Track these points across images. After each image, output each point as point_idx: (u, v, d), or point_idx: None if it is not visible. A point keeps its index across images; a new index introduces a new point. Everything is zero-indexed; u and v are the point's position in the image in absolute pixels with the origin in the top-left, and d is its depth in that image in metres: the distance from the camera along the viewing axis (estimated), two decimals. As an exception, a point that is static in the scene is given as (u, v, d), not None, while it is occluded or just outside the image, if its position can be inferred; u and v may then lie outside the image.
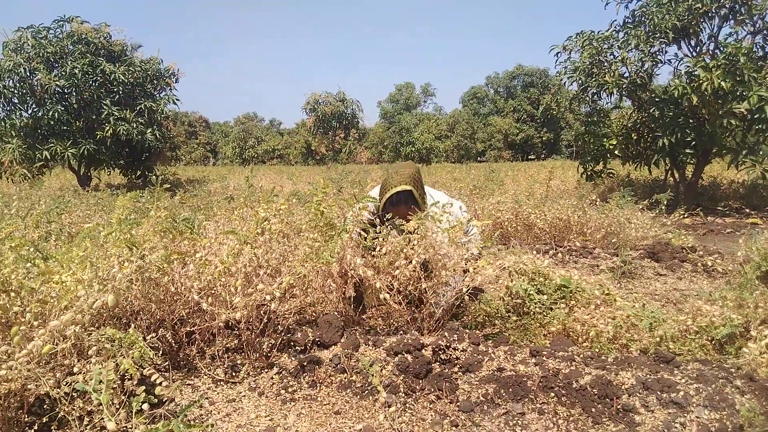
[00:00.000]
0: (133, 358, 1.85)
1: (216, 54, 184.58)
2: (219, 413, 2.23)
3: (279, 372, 2.55)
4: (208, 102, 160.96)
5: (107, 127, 12.76)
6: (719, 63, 7.56)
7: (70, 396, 1.93)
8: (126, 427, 1.99)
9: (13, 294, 2.04)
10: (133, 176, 14.85)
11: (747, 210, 8.68)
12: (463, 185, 10.24)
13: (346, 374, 2.49)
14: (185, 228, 2.44)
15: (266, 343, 2.69)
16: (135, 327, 2.37)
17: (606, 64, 9.00)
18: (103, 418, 2.00)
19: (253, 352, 2.66)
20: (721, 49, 8.44)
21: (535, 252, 3.69)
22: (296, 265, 2.62)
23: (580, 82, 9.26)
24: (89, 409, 2.00)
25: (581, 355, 2.49)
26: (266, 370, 2.59)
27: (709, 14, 8.42)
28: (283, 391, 2.39)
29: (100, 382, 1.52)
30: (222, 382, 2.50)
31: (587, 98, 9.59)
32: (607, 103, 9.98)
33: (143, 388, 1.63)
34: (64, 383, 1.87)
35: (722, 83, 7.37)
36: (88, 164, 13.93)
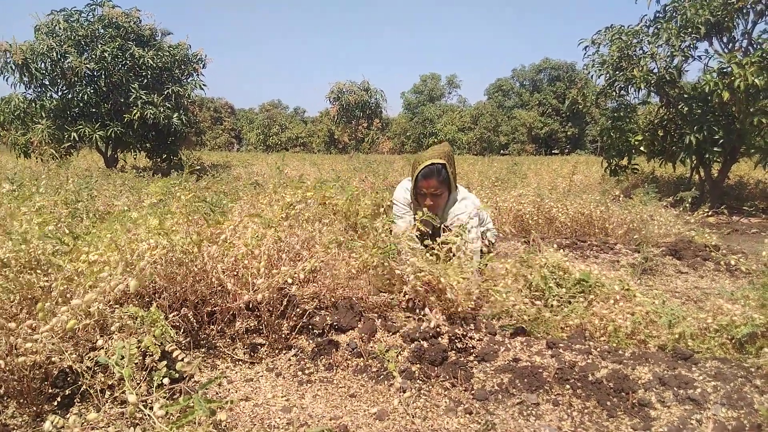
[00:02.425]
0: (154, 335, 1.90)
1: (243, 41, 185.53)
2: (237, 392, 2.28)
3: (296, 354, 2.59)
4: (234, 88, 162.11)
5: (135, 111, 12.93)
6: (753, 60, 7.40)
7: (92, 370, 1.99)
8: (147, 400, 2.05)
9: (39, 270, 2.10)
10: (158, 159, 15.03)
11: (774, 210, 8.51)
12: (484, 178, 10.21)
13: (362, 359, 2.52)
14: (211, 211, 2.48)
15: (285, 326, 2.73)
16: (157, 306, 2.43)
17: (635, 58, 8.86)
18: (124, 391, 2.06)
19: (272, 334, 2.70)
20: (755, 45, 8.25)
21: (555, 246, 3.68)
22: (320, 250, 2.65)
23: (607, 76, 9.13)
24: (110, 383, 2.07)
25: (598, 349, 2.48)
26: (284, 352, 2.63)
27: (744, 10, 8.23)
28: (300, 373, 2.43)
29: (123, 356, 1.56)
30: (241, 362, 2.55)
31: (614, 93, 9.46)
32: (635, 98, 9.84)
33: (164, 363, 1.68)
34: (87, 358, 1.93)
35: (756, 80, 7.22)
36: (114, 146, 14.14)
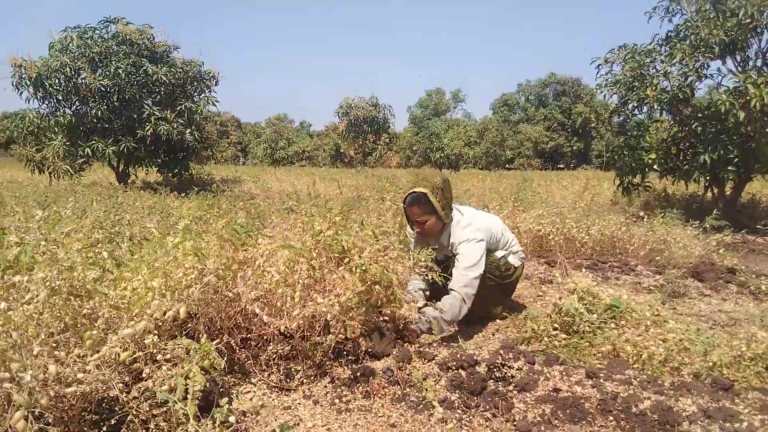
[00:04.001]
0: (202, 366, 1.90)
1: (249, 55, 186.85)
2: (276, 420, 2.27)
3: (332, 381, 2.58)
4: (240, 102, 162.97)
5: (148, 127, 13.01)
6: (768, 79, 7.41)
7: (138, 399, 1.99)
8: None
9: (84, 298, 2.10)
10: (170, 174, 15.09)
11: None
12: (496, 194, 10.20)
13: (399, 387, 2.51)
14: (246, 237, 2.49)
15: (319, 352, 2.72)
16: (197, 333, 2.44)
17: (647, 77, 8.88)
18: (165, 420, 2.05)
19: (305, 360, 2.69)
20: (770, 65, 8.28)
21: (583, 270, 3.67)
22: (356, 280, 2.65)
23: (620, 95, 9.15)
24: (154, 412, 2.06)
25: (638, 379, 2.47)
26: (319, 379, 2.63)
27: (758, 29, 8.26)
28: (337, 401, 2.42)
29: (186, 392, 1.56)
30: (276, 389, 2.54)
31: (627, 111, 9.47)
32: (646, 117, 9.84)
33: (226, 399, 1.67)
34: (136, 388, 1.93)
35: (771, 100, 7.22)
36: (126, 161, 14.21)
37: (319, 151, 49.99)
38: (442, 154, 33.60)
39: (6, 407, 1.69)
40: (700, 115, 8.78)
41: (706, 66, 8.82)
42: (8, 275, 1.91)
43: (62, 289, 1.93)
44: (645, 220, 6.11)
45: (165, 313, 1.87)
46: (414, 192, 3.40)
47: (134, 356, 1.86)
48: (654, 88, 8.55)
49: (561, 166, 52.03)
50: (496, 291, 3.60)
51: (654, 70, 8.97)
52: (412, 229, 3.60)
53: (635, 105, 9.20)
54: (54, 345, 1.91)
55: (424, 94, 62.64)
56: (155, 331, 2.13)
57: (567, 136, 53.82)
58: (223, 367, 1.90)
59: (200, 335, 2.46)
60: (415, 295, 3.53)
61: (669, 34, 9.30)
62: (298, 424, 2.23)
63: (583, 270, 4.10)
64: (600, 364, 2.83)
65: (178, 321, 2.12)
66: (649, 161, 9.39)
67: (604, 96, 9.42)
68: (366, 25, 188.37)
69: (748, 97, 7.48)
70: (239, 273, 2.53)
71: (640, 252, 5.54)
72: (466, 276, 3.26)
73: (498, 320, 3.70)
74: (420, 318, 3.10)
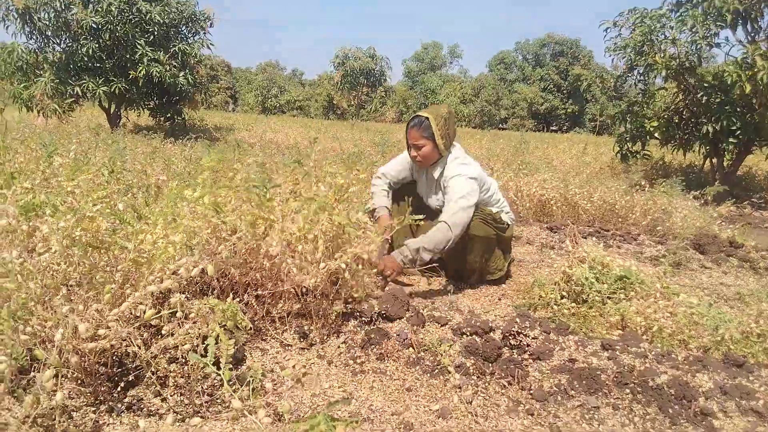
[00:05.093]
0: (225, 326, 1.86)
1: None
2: (292, 380, 2.25)
3: (346, 341, 2.57)
4: (231, 46, 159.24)
5: (140, 68, 12.65)
6: (777, 52, 7.33)
7: (156, 356, 1.96)
8: (214, 393, 2.02)
9: (102, 250, 2.04)
10: (162, 119, 14.80)
11: (784, 203, 8.53)
12: (493, 155, 10.14)
13: (413, 350, 2.50)
14: (265, 189, 2.43)
15: (333, 312, 2.69)
16: (214, 289, 2.40)
17: (656, 43, 8.73)
18: (182, 376, 2.03)
19: (319, 319, 2.67)
20: (779, 37, 8.16)
21: (591, 238, 3.65)
22: (372, 235, 2.61)
23: (629, 60, 9.01)
24: (172, 368, 2.04)
25: (653, 352, 2.48)
26: (333, 338, 2.61)
27: (773, -1, 8.10)
28: (351, 362, 2.40)
29: (218, 357, 1.53)
30: (290, 347, 2.52)
31: (634, 77, 9.36)
32: (652, 83, 9.74)
33: (258, 363, 1.64)
34: (156, 345, 1.89)
35: (780, 74, 7.15)
36: (118, 103, 13.88)
37: (312, 101, 49.20)
38: (437, 111, 33.22)
39: (30, 363, 1.65)
40: (705, 84, 8.69)
41: (716, 35, 8.68)
42: (32, 220, 1.84)
43: (81, 239, 1.86)
44: (646, 189, 6.10)
45: (190, 271, 1.81)
46: (418, 115, 3.43)
47: (158, 314, 1.82)
48: (663, 54, 8.42)
49: (554, 128, 51.80)
50: (494, 243, 3.54)
51: (663, 36, 8.81)
52: (410, 155, 3.54)
53: (642, 71, 9.08)
54: (74, 299, 1.86)
55: (420, 47, 61.53)
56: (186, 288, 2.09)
57: (562, 98, 53.38)
58: (248, 327, 1.86)
59: (223, 293, 2.43)
60: (381, 216, 3.55)
61: (680, -1, 9.12)
62: (307, 382, 2.22)
63: (591, 238, 4.09)
64: (609, 334, 2.84)
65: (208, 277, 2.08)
66: (651, 129, 9.34)
67: (612, 60, 9.28)
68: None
69: (755, 69, 7.40)
70: (261, 229, 2.47)
71: (641, 221, 5.54)
72: (456, 205, 3.19)
73: (503, 284, 3.70)
74: (403, 249, 3.14)
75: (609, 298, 3.11)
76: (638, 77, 9.43)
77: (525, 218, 5.75)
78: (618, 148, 10.10)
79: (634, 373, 2.28)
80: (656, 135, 9.38)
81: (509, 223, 3.65)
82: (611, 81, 10.04)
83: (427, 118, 3.35)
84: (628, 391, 2.19)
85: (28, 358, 1.62)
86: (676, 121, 9.35)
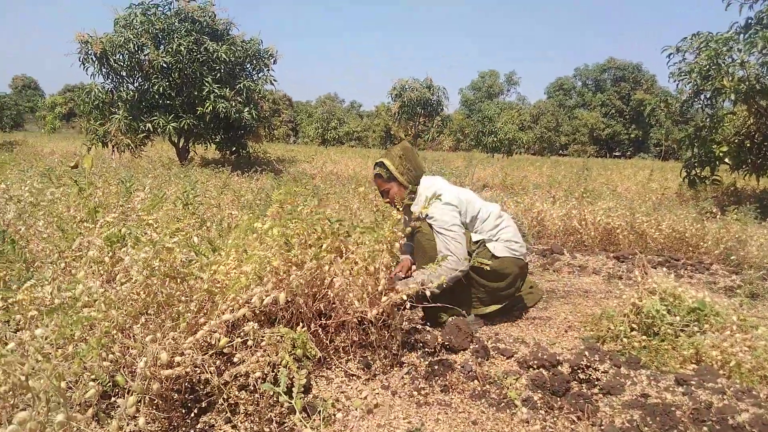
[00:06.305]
0: (294, 354, 1.90)
1: (301, 33, 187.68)
2: (357, 410, 2.27)
3: (409, 372, 2.57)
4: (292, 80, 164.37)
5: (207, 104, 13.25)
6: None
7: (228, 383, 2.02)
8: (282, 421, 2.06)
9: (178, 281, 2.14)
10: (228, 152, 15.38)
11: None
12: (556, 183, 9.97)
13: (478, 382, 2.47)
14: (338, 224, 2.49)
15: (396, 342, 2.71)
16: (281, 319, 2.45)
17: (723, 67, 8.46)
18: (252, 404, 2.08)
19: (382, 349, 2.69)
20: None
21: (662, 269, 3.53)
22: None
23: (694, 85, 8.76)
24: (242, 396, 2.09)
25: (731, 388, 2.36)
26: (396, 369, 2.62)
27: None
28: (415, 393, 2.40)
29: (292, 386, 1.57)
30: (354, 377, 2.54)
31: (701, 102, 9.08)
32: (720, 108, 9.41)
33: (330, 394, 1.67)
34: (228, 373, 1.95)
35: None
36: (187, 138, 14.54)
37: (369, 132, 49.98)
38: (495, 138, 33.01)
39: (112, 389, 1.74)
40: (779, 107, 8.34)
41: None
42: (116, 250, 1.96)
43: (160, 270, 1.96)
44: (717, 216, 5.86)
45: (263, 300, 1.88)
46: (375, 164, 3.48)
47: (230, 342, 1.88)
48: (731, 78, 8.14)
49: (617, 153, 50.55)
50: (470, 283, 3.29)
51: (731, 60, 8.53)
52: (384, 202, 3.50)
53: (709, 95, 8.80)
54: (152, 326, 1.95)
55: (477, 76, 61.71)
56: (253, 317, 2.16)
57: (624, 123, 52.17)
58: (316, 356, 1.90)
59: (288, 322, 2.49)
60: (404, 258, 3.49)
61: (749, 21, 8.82)
62: (375, 413, 2.22)
63: (660, 268, 3.96)
64: (682, 368, 2.73)
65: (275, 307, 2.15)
66: (721, 154, 9.01)
67: (677, 85, 9.04)
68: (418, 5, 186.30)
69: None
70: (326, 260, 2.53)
71: (713, 250, 5.31)
72: (443, 237, 3.14)
73: (569, 316, 3.62)
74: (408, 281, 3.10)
75: (682, 330, 2.99)
76: (705, 102, 9.13)
77: (590, 247, 5.62)
78: (685, 174, 9.77)
79: (711, 410, 2.17)
80: (726, 160, 9.03)
81: (501, 255, 3.27)
82: (676, 105, 9.72)
83: (382, 162, 3.42)
84: (705, 429, 2.09)
85: (110, 384, 1.71)
86: (748, 145, 8.98)
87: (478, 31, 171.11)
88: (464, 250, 3.12)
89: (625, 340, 3.05)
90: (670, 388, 2.39)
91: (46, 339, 1.61)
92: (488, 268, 2.97)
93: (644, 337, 3.00)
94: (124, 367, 1.93)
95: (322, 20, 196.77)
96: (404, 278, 3.21)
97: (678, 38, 9.23)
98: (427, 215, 3.17)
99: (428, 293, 2.59)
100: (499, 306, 3.34)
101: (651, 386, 2.41)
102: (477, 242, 3.28)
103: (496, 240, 3.31)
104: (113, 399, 1.96)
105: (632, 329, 3.09)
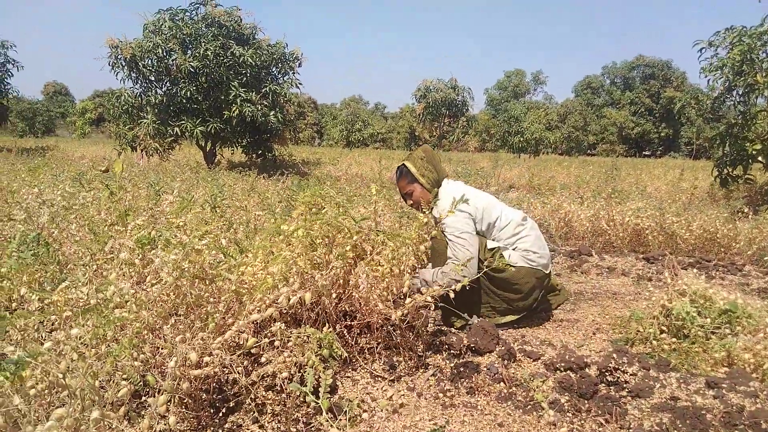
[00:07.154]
0: (321, 355, 1.92)
1: (325, 36, 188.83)
2: (383, 410, 2.28)
3: (434, 374, 2.57)
4: (316, 83, 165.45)
5: (234, 108, 13.42)
6: None
7: (257, 384, 2.05)
8: (308, 421, 2.08)
9: (207, 282, 2.18)
10: (254, 155, 15.55)
11: None
12: (584, 184, 9.85)
13: (504, 385, 2.46)
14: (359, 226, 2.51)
15: (421, 344, 2.71)
16: (307, 320, 2.48)
17: (757, 62, 8.27)
18: (279, 404, 2.11)
19: (406, 351, 2.69)
20: None
21: (693, 270, 3.47)
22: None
23: (726, 80, 8.58)
24: (270, 396, 2.12)
25: (765, 392, 2.31)
26: (421, 370, 2.62)
27: None
28: (441, 395, 2.40)
29: (318, 386, 1.59)
30: (380, 378, 2.55)
31: (733, 99, 8.89)
32: (754, 104, 9.19)
33: (355, 395, 1.68)
34: (255, 373, 1.98)
35: None
36: (213, 142, 14.74)
37: (394, 133, 50.01)
38: (521, 138, 32.75)
39: (143, 388, 1.78)
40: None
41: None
42: (146, 252, 2.00)
43: (190, 271, 2.00)
44: (750, 216, 5.73)
45: (289, 300, 1.91)
46: (398, 166, 3.52)
47: (258, 343, 1.91)
48: (765, 73, 7.96)
49: (647, 153, 49.74)
50: (483, 291, 3.23)
51: (764, 54, 8.34)
52: (407, 204, 3.60)
53: (742, 92, 8.61)
54: (181, 327, 1.98)
55: (503, 76, 61.29)
56: (279, 318, 2.19)
57: (654, 122, 51.30)
58: (343, 356, 1.92)
59: (315, 323, 2.51)
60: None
61: (784, 14, 8.62)
62: (401, 414, 2.23)
63: (691, 269, 3.88)
64: (714, 371, 2.68)
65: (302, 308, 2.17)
66: (753, 152, 8.80)
67: (709, 81, 8.86)
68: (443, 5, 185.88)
69: None
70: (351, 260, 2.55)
71: (746, 251, 5.19)
72: (451, 244, 3.11)
73: (598, 318, 3.58)
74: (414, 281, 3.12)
75: (713, 333, 2.93)
76: (737, 98, 8.93)
77: (619, 248, 5.55)
78: (717, 173, 9.57)
79: (743, 413, 2.13)
80: (759, 158, 8.81)
81: (518, 264, 3.17)
82: (707, 102, 9.52)
83: (405, 165, 3.45)
84: (738, 433, 2.05)
85: (141, 383, 1.75)
86: (782, 143, 8.76)
87: (504, 32, 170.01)
88: (473, 257, 3.03)
89: (654, 342, 3.01)
90: (701, 391, 2.35)
91: (80, 339, 1.66)
92: (500, 275, 3.01)
93: (674, 339, 2.95)
94: (154, 367, 1.97)
95: (348, 21, 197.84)
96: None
97: (710, 34, 8.99)
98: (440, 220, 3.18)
99: (430, 298, 2.54)
100: (516, 317, 3.26)
101: (681, 389, 2.37)
102: (492, 249, 3.19)
103: (513, 248, 3.23)
104: (143, 398, 2.00)
105: (662, 331, 3.04)
